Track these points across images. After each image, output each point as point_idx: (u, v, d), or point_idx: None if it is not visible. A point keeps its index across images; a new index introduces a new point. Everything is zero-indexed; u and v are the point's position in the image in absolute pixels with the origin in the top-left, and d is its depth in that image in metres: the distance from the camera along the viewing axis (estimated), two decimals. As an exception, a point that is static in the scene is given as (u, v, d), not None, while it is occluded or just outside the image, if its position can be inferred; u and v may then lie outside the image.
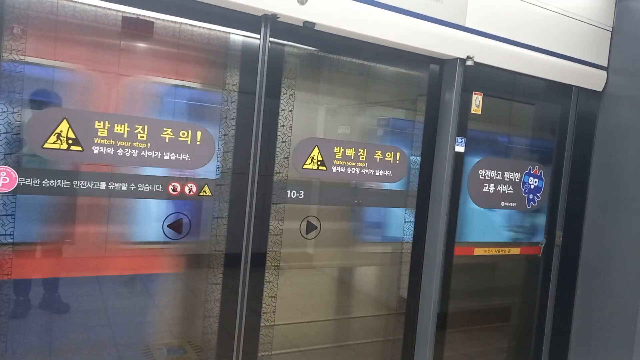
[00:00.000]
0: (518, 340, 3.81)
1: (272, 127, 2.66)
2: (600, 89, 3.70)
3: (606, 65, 3.69)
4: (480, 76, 3.20)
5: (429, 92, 3.20)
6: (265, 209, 2.67)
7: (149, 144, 2.37)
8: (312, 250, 3.04)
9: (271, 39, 2.61)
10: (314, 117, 3.08)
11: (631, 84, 3.56)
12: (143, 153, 2.35)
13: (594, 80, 3.66)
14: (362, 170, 2.94)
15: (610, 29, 3.68)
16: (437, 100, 3.20)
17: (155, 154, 2.38)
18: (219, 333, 2.63)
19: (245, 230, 2.61)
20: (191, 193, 2.50)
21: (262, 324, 2.74)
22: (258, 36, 2.59)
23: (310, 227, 2.91)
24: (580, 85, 3.62)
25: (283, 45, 2.68)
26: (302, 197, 2.80)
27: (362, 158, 2.94)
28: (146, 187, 2.39)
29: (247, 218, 2.60)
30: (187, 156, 2.45)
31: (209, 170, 2.55)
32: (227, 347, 2.62)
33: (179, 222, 2.51)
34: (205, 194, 2.54)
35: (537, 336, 3.72)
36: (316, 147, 2.78)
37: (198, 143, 2.47)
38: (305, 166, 2.76)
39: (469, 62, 3.08)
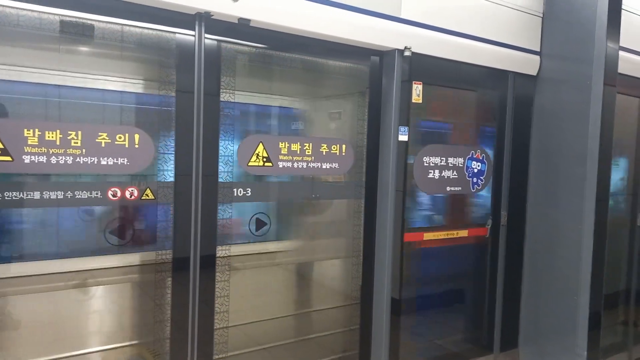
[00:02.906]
0: (472, 320, 3.94)
1: (213, 126, 2.63)
2: (534, 73, 3.86)
3: (539, 50, 3.85)
4: (419, 66, 3.27)
5: (371, 83, 3.25)
6: (211, 209, 2.65)
7: (84, 150, 2.30)
8: (264, 247, 3.04)
9: (207, 36, 2.58)
10: (261, 114, 3.07)
11: (563, 68, 3.73)
12: (78, 159, 2.28)
13: (529, 65, 3.81)
14: (309, 164, 2.96)
15: (541, 15, 3.84)
16: (380, 92, 3.25)
17: (91, 159, 2.31)
18: (172, 337, 2.59)
19: (192, 231, 2.58)
20: (132, 197, 2.45)
21: (216, 325, 2.72)
22: (193, 34, 2.55)
23: (260, 224, 2.90)
24: (515, 71, 3.76)
25: (220, 42, 2.65)
26: (249, 194, 2.79)
27: (309, 152, 2.96)
28: (84, 194, 2.32)
29: (194, 219, 2.57)
30: (126, 160, 2.39)
31: (150, 173, 2.50)
32: (181, 350, 2.59)
33: (121, 228, 2.45)
34: (147, 198, 2.49)
35: (489, 314, 3.87)
36: (260, 144, 2.78)
37: (136, 146, 2.41)
38: (250, 163, 2.75)
39: (406, 53, 3.14)
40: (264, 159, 2.79)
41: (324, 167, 3.02)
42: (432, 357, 3.61)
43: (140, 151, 2.42)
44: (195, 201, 2.58)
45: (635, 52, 3.85)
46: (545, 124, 3.84)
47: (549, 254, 3.78)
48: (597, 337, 3.61)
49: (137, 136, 2.41)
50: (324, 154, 3.02)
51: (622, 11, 3.57)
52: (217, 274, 2.70)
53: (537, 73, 3.86)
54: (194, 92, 2.55)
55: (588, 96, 3.54)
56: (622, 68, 3.66)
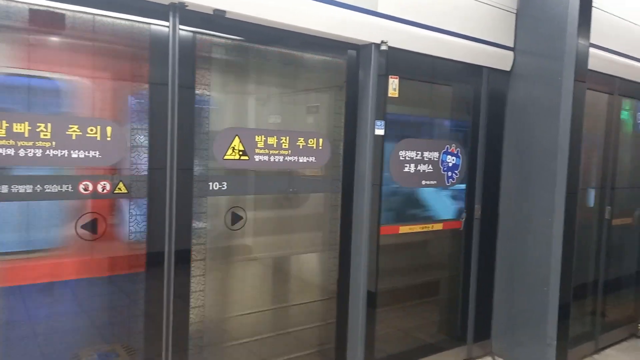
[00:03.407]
0: (447, 311, 4.01)
1: (188, 119, 2.60)
2: (508, 69, 3.92)
3: (513, 46, 3.92)
4: (396, 60, 3.29)
5: (348, 77, 3.25)
6: (186, 203, 2.61)
7: (54, 143, 2.24)
8: (241, 241, 3.02)
9: (181, 27, 2.54)
10: (236, 107, 3.04)
11: (535, 63, 3.80)
12: (48, 152, 2.22)
13: (502, 60, 3.88)
14: (286, 158, 2.95)
15: (515, 12, 3.90)
16: (357, 85, 3.26)
17: (61, 152, 2.25)
18: (147, 333, 2.56)
19: (167, 225, 2.54)
20: (105, 191, 2.40)
21: (191, 320, 2.69)
22: (167, 24, 2.50)
23: (235, 218, 2.88)
24: (490, 66, 3.82)
25: (195, 34, 2.61)
26: (225, 188, 2.77)
27: (285, 146, 2.95)
28: (54, 188, 2.27)
29: (168, 213, 2.54)
30: (98, 153, 2.34)
31: (123, 166, 2.45)
32: (155, 345, 2.56)
33: (93, 222, 2.40)
34: (120, 192, 2.44)
35: (463, 306, 3.94)
36: (237, 137, 2.75)
37: (109, 139, 2.36)
38: (226, 157, 2.72)
39: (383, 47, 3.16)
40: (240, 153, 2.77)
41: (300, 160, 3.02)
42: (408, 348, 3.66)
43: (113, 144, 2.37)
44: (170, 195, 2.54)
45: (605, 49, 3.95)
46: (518, 118, 3.91)
47: (521, 247, 3.87)
48: (567, 327, 3.72)
49: (109, 129, 2.36)
50: (301, 147, 3.01)
51: (593, 9, 3.66)
52: (193, 268, 2.68)
53: (511, 68, 3.93)
54: (168, 84, 2.51)
55: (559, 92, 3.62)
56: (592, 64, 3.75)
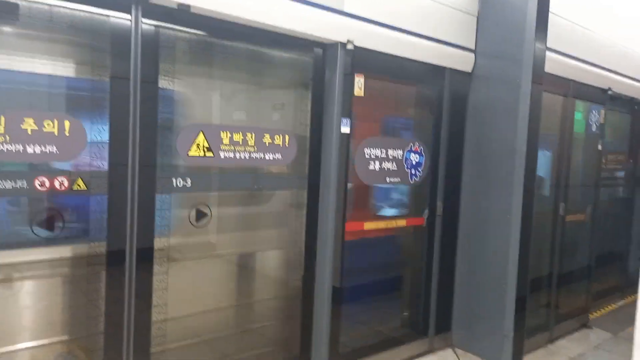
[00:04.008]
0: (410, 306, 4.10)
1: (151, 114, 2.55)
2: (469, 70, 4.03)
3: (474, 48, 4.03)
4: (362, 59, 3.33)
5: (314, 75, 3.26)
6: (149, 200, 2.57)
7: (7, 137, 2.15)
8: (206, 238, 2.99)
9: (144, 21, 2.49)
10: (201, 103, 3.00)
11: (495, 65, 3.93)
12: (1, 147, 2.14)
13: (464, 62, 3.98)
14: (252, 155, 2.94)
15: (477, 15, 4.01)
16: (323, 84, 3.28)
17: (16, 147, 2.17)
18: (106, 332, 2.50)
19: (128, 222, 2.49)
20: (62, 188, 2.33)
21: (154, 318, 2.65)
22: (129, 18, 2.44)
23: (200, 215, 2.85)
24: (452, 67, 3.92)
25: (159, 28, 2.56)
26: (189, 185, 2.74)
27: (251, 142, 2.94)
28: (7, 184, 2.18)
29: (130, 211, 2.49)
30: (55, 148, 2.27)
31: (82, 162, 2.38)
32: (115, 345, 2.51)
33: (50, 220, 2.33)
34: (79, 188, 2.37)
35: (425, 300, 4.04)
36: (201, 133, 2.72)
37: (67, 134, 2.29)
38: (190, 153, 2.69)
39: (349, 46, 3.19)
40: (205, 149, 2.74)
41: (266, 157, 3.01)
42: (372, 342, 3.72)
43: (71, 139, 2.30)
44: (132, 192, 2.49)
45: (561, 53, 4.12)
46: (478, 119, 4.03)
47: (481, 243, 4.00)
48: (523, 319, 3.87)
49: (67, 123, 2.29)
50: (267, 144, 3.01)
51: (550, 14, 3.81)
52: (155, 266, 2.63)
53: (472, 70, 4.04)
54: (129, 78, 2.46)
55: (517, 93, 3.75)
56: (549, 68, 3.91)
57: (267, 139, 3.00)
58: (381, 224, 3.68)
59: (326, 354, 3.30)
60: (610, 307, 5.42)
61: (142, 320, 2.57)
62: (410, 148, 3.73)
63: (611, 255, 5.51)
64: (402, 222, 3.84)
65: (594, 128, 4.72)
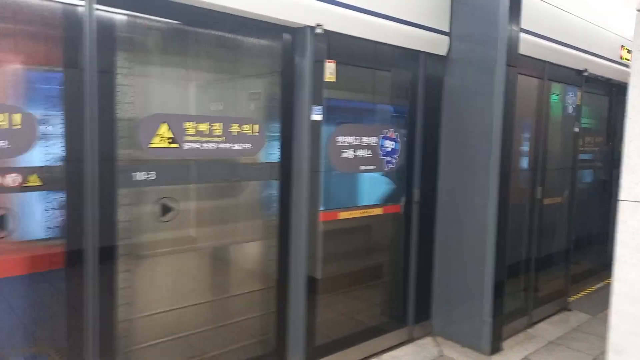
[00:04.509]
0: (388, 295, 4.07)
1: (108, 105, 2.43)
2: (444, 54, 3.96)
3: (449, 32, 3.96)
4: (333, 44, 3.23)
5: (284, 61, 3.16)
6: (109, 195, 2.46)
7: (-49, 132, 2.03)
8: (174, 233, 2.90)
9: (98, 7, 2.36)
10: (166, 92, 2.89)
11: (470, 48, 3.86)
12: (-55, 143, 2.02)
13: (439, 45, 3.91)
14: (219, 145, 2.84)
15: (450, -3, 3.94)
16: (293, 70, 3.18)
17: (-39, 143, 2.05)
18: (70, 333, 2.41)
19: (90, 219, 2.39)
20: (15, 184, 2.21)
21: (120, 318, 2.56)
22: (83, 3, 2.32)
23: (166, 210, 2.76)
24: (426, 51, 3.84)
25: (114, 14, 2.44)
26: (153, 178, 2.63)
27: (218, 132, 2.84)
28: (-46, 183, 2.06)
29: (90, 206, 2.38)
30: (6, 142, 2.15)
31: (36, 157, 2.27)
32: (79, 347, 2.42)
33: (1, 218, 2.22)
34: (33, 184, 2.26)
35: (404, 288, 4.00)
36: (164, 124, 2.62)
37: (18, 127, 2.17)
38: (152, 145, 2.58)
39: (318, 30, 3.09)
40: (169, 140, 2.64)
41: (235, 147, 2.92)
42: (350, 333, 3.68)
43: (23, 133, 2.18)
44: (91, 187, 2.38)
45: (535, 34, 4.07)
46: (454, 103, 3.98)
47: (458, 228, 3.97)
48: (501, 303, 3.87)
49: (18, 116, 2.17)
50: (236, 134, 2.91)
51: (523, -5, 3.76)
52: (120, 264, 2.54)
53: (447, 53, 3.97)
54: (84, 68, 2.33)
55: (492, 76, 3.70)
56: (523, 49, 3.86)
57: (235, 128, 2.91)
58: (357, 213, 3.62)
59: (303, 346, 3.25)
60: (589, 289, 5.46)
61: (106, 320, 2.48)
62: (385, 135, 3.66)
63: (590, 238, 5.55)
64: (378, 210, 3.78)
65: (570, 110, 4.71)
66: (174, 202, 2.79)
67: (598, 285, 5.58)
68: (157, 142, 2.60)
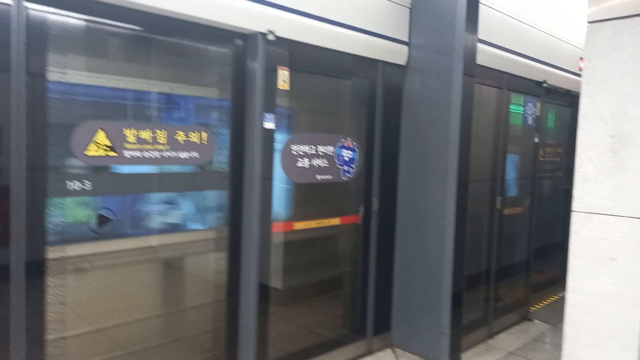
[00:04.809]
0: (346, 306, 3.98)
1: (38, 111, 2.29)
2: (404, 63, 3.94)
3: (408, 41, 3.94)
4: (286, 52, 3.17)
5: (235, 68, 3.07)
6: (38, 206, 2.32)
7: None
8: (109, 246, 2.75)
9: (28, 5, 2.23)
10: (102, 99, 2.75)
11: (428, 58, 3.85)
12: None
13: (397, 54, 3.88)
14: (163, 154, 2.73)
15: (409, 7, 3.92)
16: (244, 77, 3.09)
17: None
18: (-7, 355, 2.25)
19: (14, 232, 2.23)
20: None
21: (48, 336, 2.40)
22: (9, 2, 2.19)
23: (102, 221, 2.62)
24: (385, 60, 3.81)
25: (46, 14, 2.31)
26: (89, 188, 2.49)
27: (162, 140, 2.72)
28: None
29: (15, 219, 2.23)
30: None
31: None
32: (2, 369, 2.26)
33: None
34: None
35: (362, 299, 3.93)
36: (101, 131, 2.49)
37: None
38: (88, 153, 2.45)
39: (270, 37, 3.01)
40: (106, 148, 2.51)
41: (181, 156, 2.81)
42: (306, 346, 3.57)
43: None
44: (17, 198, 2.24)
45: (493, 45, 4.08)
46: (414, 112, 3.95)
47: (418, 238, 3.92)
48: (459, 315, 3.83)
49: None
50: (181, 142, 2.80)
51: (480, 5, 3.76)
52: (50, 279, 2.39)
53: (406, 63, 3.95)
54: (10, 71, 2.20)
55: (450, 86, 3.69)
56: (482, 60, 3.87)
57: (180, 136, 2.80)
58: (313, 223, 3.54)
59: (253, 362, 3.14)
60: (551, 299, 5.49)
61: (34, 340, 2.32)
62: (342, 144, 3.60)
63: (551, 247, 5.59)
64: (336, 221, 3.71)
65: (530, 121, 4.74)
66: (111, 213, 2.65)
67: (560, 295, 5.62)
68: (93, 150, 2.47)
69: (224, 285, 3.15)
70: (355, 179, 3.72)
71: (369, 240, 3.90)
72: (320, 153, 3.45)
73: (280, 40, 3.08)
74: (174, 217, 3.11)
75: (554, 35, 4.88)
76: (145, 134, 2.65)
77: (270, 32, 3.01)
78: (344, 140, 3.61)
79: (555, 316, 4.91)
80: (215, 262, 3.13)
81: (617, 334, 2.67)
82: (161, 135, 2.71)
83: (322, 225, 3.61)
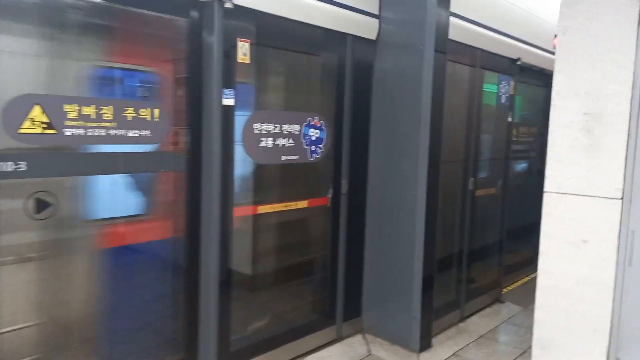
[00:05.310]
0: (315, 292, 3.85)
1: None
2: (374, 38, 3.75)
3: (378, 14, 3.74)
4: (246, 22, 2.95)
5: (190, 39, 2.84)
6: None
7: None
8: (53, 233, 2.52)
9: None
10: (41, 72, 2.49)
11: (400, 32, 3.67)
12: None
13: (367, 28, 3.69)
14: (110, 132, 2.50)
15: (380, -23, 3.72)
16: (200, 49, 2.86)
17: None
18: None
19: None
20: None
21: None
22: None
23: (41, 206, 2.39)
24: (354, 34, 3.61)
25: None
26: (24, 169, 2.26)
27: (108, 117, 2.49)
28: None
29: None
30: None
31: None
32: None
33: None
34: None
35: (331, 285, 3.80)
36: (37, 106, 2.25)
37: None
38: (22, 130, 2.21)
39: (227, 5, 2.78)
40: (44, 125, 2.27)
41: (130, 134, 2.58)
42: (274, 334, 3.43)
43: None
44: (-63, 180, 2.00)
45: (467, 19, 3.92)
46: (385, 89, 3.78)
47: (389, 221, 3.79)
48: (430, 299, 3.74)
49: None
50: (130, 119, 2.57)
51: (454, -23, 3.59)
52: (-20, 269, 2.17)
53: (377, 37, 3.76)
54: None
55: (421, 62, 3.52)
56: (454, 35, 3.71)
57: (129, 112, 2.57)
58: (278, 207, 3.36)
59: (215, 353, 2.97)
60: (523, 280, 5.48)
61: None
62: (309, 122, 3.41)
63: (523, 228, 5.56)
64: (303, 204, 3.54)
65: (503, 100, 4.63)
66: (51, 197, 2.42)
67: (532, 275, 5.60)
68: (28, 128, 2.23)
69: (182, 273, 2.96)
70: (323, 159, 3.54)
71: (338, 224, 3.75)
72: (286, 132, 3.26)
73: (240, 9, 2.86)
74: (125, 202, 2.90)
75: (528, 10, 4.75)
76: (89, 110, 2.42)
77: (228, -1, 2.78)
78: (311, 118, 3.42)
79: (527, 297, 4.87)
80: (172, 250, 2.94)
81: (589, 318, 2.60)
82: (107, 112, 2.48)
83: (289, 208, 3.44)
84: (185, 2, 2.76)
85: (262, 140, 3.13)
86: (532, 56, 4.88)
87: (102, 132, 2.47)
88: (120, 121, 2.53)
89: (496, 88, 4.54)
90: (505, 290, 5.00)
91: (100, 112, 2.46)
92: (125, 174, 2.78)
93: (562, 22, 2.73)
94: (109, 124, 2.49)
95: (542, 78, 5.46)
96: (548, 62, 5.21)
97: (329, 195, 3.67)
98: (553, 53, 5.24)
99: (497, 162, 4.71)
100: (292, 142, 3.31)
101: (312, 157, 3.46)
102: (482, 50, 4.19)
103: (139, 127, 2.61)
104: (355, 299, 3.93)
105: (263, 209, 3.28)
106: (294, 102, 3.60)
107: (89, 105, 2.42)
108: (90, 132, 2.42)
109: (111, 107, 2.49)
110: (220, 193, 2.92)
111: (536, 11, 4.87)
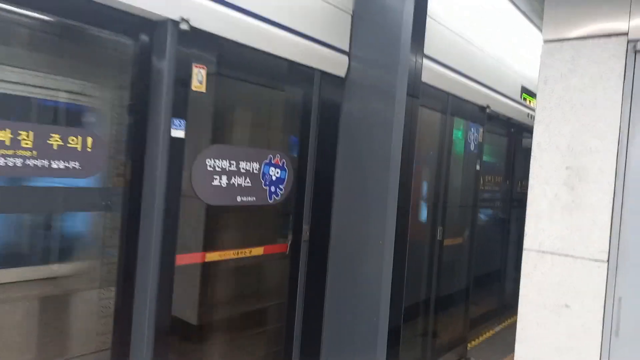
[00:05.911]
0: (269, 344, 3.44)
1: None
2: (343, 75, 3.52)
3: (348, 51, 3.54)
4: (204, 47, 2.64)
5: (137, 61, 2.50)
6: None
7: None
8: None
9: None
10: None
11: (370, 72, 3.46)
12: None
13: (336, 65, 3.46)
14: (27, 162, 2.09)
15: (351, 13, 3.53)
16: (149, 73, 2.52)
17: None
18: None
19: None
20: None
21: None
22: None
23: None
24: (322, 69, 3.37)
25: None
26: None
27: (27, 145, 2.08)
28: None
29: None
30: None
31: None
32: None
33: None
34: None
35: (287, 336, 3.40)
36: None
37: None
38: None
39: (183, 26, 2.48)
40: (-61, 151, 1.85)
41: (54, 166, 2.17)
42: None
43: None
44: None
45: (440, 63, 3.78)
46: (353, 130, 3.52)
47: (353, 270, 3.46)
48: (396, 353, 3.39)
49: None
50: (56, 148, 2.17)
51: (429, 19, 3.45)
52: None
53: (346, 75, 3.53)
54: None
55: (393, 103, 3.31)
56: (426, 77, 3.54)
57: (55, 139, 2.17)
58: (229, 254, 2.98)
59: None
60: (488, 334, 5.24)
61: None
62: (270, 160, 3.09)
63: (488, 279, 5.37)
64: (258, 251, 3.17)
65: (472, 147, 4.49)
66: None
67: (497, 329, 5.39)
68: None
69: (109, 331, 2.50)
70: (283, 202, 3.21)
71: (297, 272, 3.39)
72: (243, 170, 2.92)
73: (197, 33, 2.55)
74: (48, 245, 2.45)
75: (497, 59, 4.71)
76: (3, 135, 2.01)
77: (184, 20, 2.47)
78: (272, 156, 3.10)
79: (493, 353, 4.64)
80: (98, 303, 2.49)
81: (572, 396, 2.33)
82: (26, 138, 2.07)
83: (241, 256, 3.06)
84: (134, 19, 2.42)
85: (215, 179, 2.77)
86: (500, 104, 4.81)
87: (18, 161, 2.05)
88: (42, 149, 2.13)
89: (465, 135, 4.40)
90: (470, 345, 4.72)
91: (18, 138, 2.05)
92: (45, 213, 2.35)
93: (543, 70, 2.57)
94: (27, 152, 2.08)
95: (508, 127, 5.43)
96: (515, 112, 5.20)
97: (289, 242, 3.32)
98: (520, 103, 5.26)
99: (465, 209, 4.52)
100: (250, 181, 2.97)
101: (271, 199, 3.12)
102: (454, 95, 4.05)
103: (66, 158, 2.21)
104: (313, 352, 3.53)
105: (211, 256, 2.88)
106: (254, 138, 3.29)
107: (2, 130, 2.01)
108: (3, 162, 2.01)
109: (31, 133, 2.09)
110: (162, 238, 2.51)
111: (504, 60, 4.84)
